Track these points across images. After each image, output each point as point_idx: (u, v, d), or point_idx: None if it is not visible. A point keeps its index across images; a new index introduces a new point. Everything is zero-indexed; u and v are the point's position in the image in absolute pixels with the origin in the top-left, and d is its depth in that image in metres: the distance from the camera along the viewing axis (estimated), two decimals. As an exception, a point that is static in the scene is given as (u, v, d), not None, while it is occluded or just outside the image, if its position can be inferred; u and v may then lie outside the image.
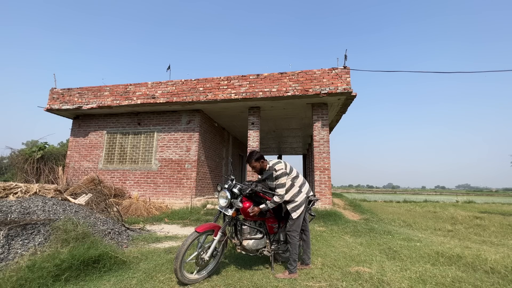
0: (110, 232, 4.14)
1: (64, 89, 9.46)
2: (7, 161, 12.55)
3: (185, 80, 8.46)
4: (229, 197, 2.93)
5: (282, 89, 7.61)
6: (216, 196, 3.52)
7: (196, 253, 2.78)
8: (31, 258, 2.77)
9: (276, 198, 2.95)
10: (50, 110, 9.44)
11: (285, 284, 2.67)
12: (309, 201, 3.27)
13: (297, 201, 3.06)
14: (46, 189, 4.74)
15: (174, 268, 2.54)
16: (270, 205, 2.97)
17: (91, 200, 5.78)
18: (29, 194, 4.32)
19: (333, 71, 7.41)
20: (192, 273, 2.76)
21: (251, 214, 2.96)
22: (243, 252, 3.07)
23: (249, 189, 3.01)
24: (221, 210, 3.01)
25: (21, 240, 3.05)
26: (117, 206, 5.92)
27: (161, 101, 8.35)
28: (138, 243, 4.30)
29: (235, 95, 7.89)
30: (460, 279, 2.83)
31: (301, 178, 3.23)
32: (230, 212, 2.94)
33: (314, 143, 7.85)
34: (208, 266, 2.90)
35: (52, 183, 8.99)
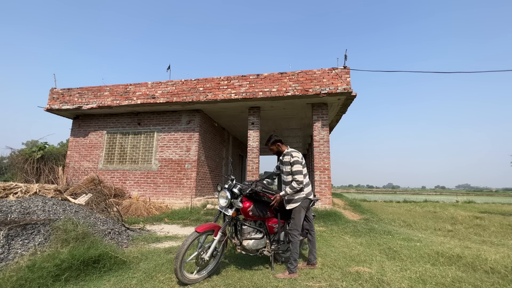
0: (110, 232, 4.14)
1: (64, 89, 9.46)
2: (7, 161, 12.54)
3: (185, 80, 8.46)
4: (229, 197, 2.93)
5: (282, 89, 7.61)
6: (216, 196, 3.54)
7: (196, 253, 2.78)
8: (31, 258, 2.77)
9: (294, 184, 3.03)
10: (50, 110, 9.44)
11: (285, 284, 2.67)
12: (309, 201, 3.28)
13: (294, 197, 3.11)
14: (46, 189, 4.74)
15: (174, 268, 2.54)
16: (289, 191, 3.05)
17: (91, 200, 5.78)
18: (29, 194, 4.32)
19: (333, 71, 7.41)
20: (192, 273, 2.76)
21: (274, 204, 3.05)
22: (243, 252, 3.07)
23: (249, 189, 3.01)
24: (221, 210, 3.02)
25: (21, 240, 3.05)
26: (117, 206, 5.92)
27: (161, 101, 8.35)
28: (138, 243, 4.30)
29: (235, 95, 7.89)
30: (460, 279, 2.83)
31: (307, 178, 3.27)
32: (230, 212, 2.94)
33: (314, 143, 7.85)
34: (208, 266, 2.90)
35: (52, 183, 8.99)
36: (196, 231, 2.76)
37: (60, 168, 9.41)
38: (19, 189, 4.31)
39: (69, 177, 9.34)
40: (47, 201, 4.02)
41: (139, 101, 8.56)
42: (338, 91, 7.18)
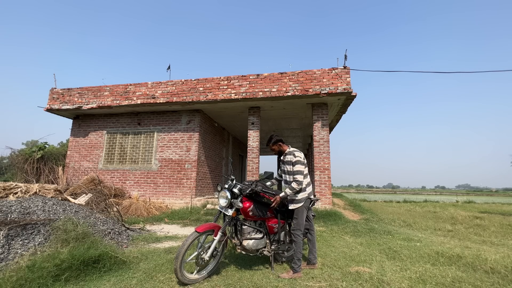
0: (110, 232, 4.14)
1: (64, 89, 9.46)
2: (7, 161, 12.54)
3: (185, 80, 8.46)
4: (229, 197, 2.93)
5: (282, 89, 7.61)
6: (216, 196, 3.54)
7: (196, 253, 2.78)
8: (31, 258, 2.77)
9: (294, 184, 3.03)
10: (50, 110, 9.44)
11: (285, 284, 2.67)
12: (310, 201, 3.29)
13: (297, 197, 3.11)
14: (46, 189, 4.74)
15: (174, 268, 2.54)
16: (289, 192, 3.05)
17: (91, 200, 5.78)
18: (29, 194, 4.32)
19: (333, 71, 7.41)
20: (192, 273, 2.76)
21: (274, 205, 3.05)
22: (243, 252, 3.07)
23: (249, 189, 3.01)
24: (221, 210, 3.02)
25: (21, 240, 3.05)
26: (117, 206, 5.92)
27: (161, 101, 8.35)
28: (138, 243, 4.30)
29: (235, 95, 7.89)
30: (460, 279, 2.83)
31: (308, 178, 3.28)
32: (230, 212, 2.94)
33: (314, 143, 7.85)
34: (208, 266, 2.90)
35: (52, 183, 8.99)
36: (196, 231, 2.76)
37: (60, 168, 9.41)
38: (19, 189, 4.31)
39: (69, 177, 9.34)
40: (47, 201, 4.02)
41: (139, 101, 8.56)
42: (338, 91, 7.17)
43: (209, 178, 9.77)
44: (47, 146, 11.10)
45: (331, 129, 10.52)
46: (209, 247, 2.81)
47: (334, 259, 3.53)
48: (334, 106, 8.21)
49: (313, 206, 3.80)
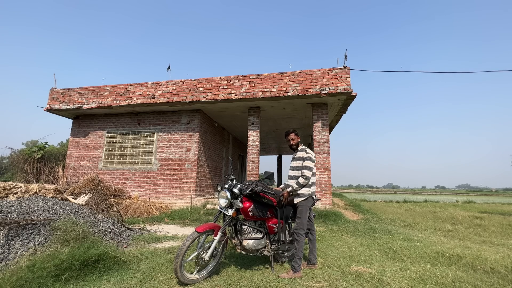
0: (110, 232, 4.14)
1: (64, 89, 9.46)
2: (7, 161, 12.54)
3: (185, 80, 8.46)
4: (229, 197, 2.93)
5: (282, 89, 7.61)
6: (216, 196, 3.55)
7: (196, 253, 2.78)
8: (31, 258, 2.77)
9: (301, 180, 3.08)
10: (50, 110, 9.44)
11: (285, 284, 2.67)
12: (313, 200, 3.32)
13: (302, 191, 3.16)
14: (46, 189, 4.74)
15: (174, 268, 2.54)
16: (295, 186, 3.11)
17: (91, 200, 5.78)
18: (29, 194, 4.32)
19: (333, 71, 7.41)
20: (192, 273, 2.76)
21: (284, 201, 3.12)
22: (243, 252, 3.07)
23: (249, 189, 3.01)
24: (221, 210, 3.02)
25: (21, 240, 3.05)
26: (117, 206, 5.92)
27: (161, 101, 8.35)
28: (138, 243, 4.30)
29: (235, 95, 7.89)
30: (460, 279, 2.83)
31: (315, 178, 3.34)
32: (230, 212, 2.94)
33: (314, 143, 7.85)
34: (208, 266, 2.90)
35: (52, 183, 8.99)
36: (196, 231, 2.76)
37: (60, 168, 9.41)
38: (19, 189, 4.31)
39: (69, 177, 9.34)
40: (47, 201, 4.02)
41: (139, 101, 8.56)
42: (338, 91, 7.17)
43: (209, 178, 9.77)
44: (47, 146, 11.11)
45: (331, 129, 10.52)
46: (209, 247, 2.81)
47: (334, 259, 3.53)
48: (334, 106, 8.21)
49: (313, 206, 3.80)
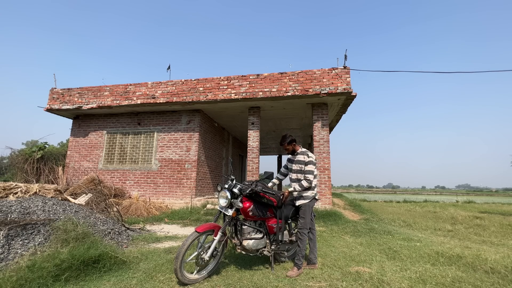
0: (110, 232, 4.14)
1: (64, 89, 9.46)
2: (7, 161, 12.54)
3: (185, 80, 8.46)
4: (229, 197, 2.93)
5: (282, 89, 7.61)
6: (216, 196, 3.55)
7: (196, 253, 2.78)
8: (31, 258, 2.77)
9: (304, 183, 3.14)
10: (50, 110, 9.44)
11: (285, 284, 2.67)
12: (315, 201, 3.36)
13: (306, 193, 3.22)
14: (46, 189, 4.74)
15: (174, 268, 2.54)
16: (297, 188, 3.17)
17: (91, 200, 5.78)
18: (29, 194, 4.32)
19: (333, 71, 7.41)
20: (192, 273, 2.76)
21: (284, 199, 3.18)
22: (243, 252, 3.08)
23: (249, 189, 3.01)
24: (221, 210, 3.02)
25: (21, 240, 3.05)
26: (117, 206, 5.92)
27: (161, 101, 8.35)
28: (138, 243, 4.30)
29: (235, 95, 7.89)
30: (460, 279, 2.83)
31: (316, 180, 3.37)
32: (230, 212, 2.94)
33: (314, 143, 7.85)
34: (208, 266, 2.90)
35: (52, 183, 8.99)
36: (196, 231, 2.76)
37: (60, 168, 9.41)
38: (19, 189, 4.31)
39: (69, 177, 9.34)
40: (47, 201, 4.02)
41: (139, 101, 8.56)
42: (338, 91, 7.17)
43: (209, 178, 9.77)
44: (47, 146, 11.10)
45: (331, 129, 10.52)
46: (209, 247, 2.81)
47: (334, 259, 3.53)
48: (334, 106, 8.21)
49: (313, 206, 3.81)
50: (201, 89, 8.22)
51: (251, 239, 3.02)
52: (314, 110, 8.00)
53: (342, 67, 7.39)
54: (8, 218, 3.25)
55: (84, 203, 5.36)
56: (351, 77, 7.37)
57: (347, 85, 7.21)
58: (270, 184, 3.53)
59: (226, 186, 3.07)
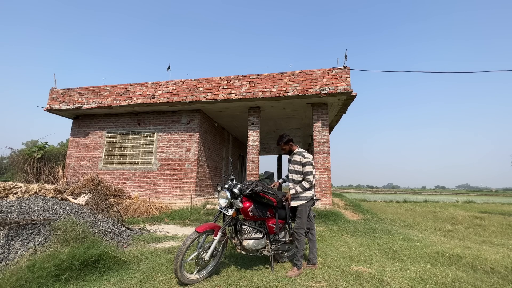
0: (110, 232, 4.13)
1: (64, 89, 9.46)
2: (7, 161, 12.54)
3: (185, 80, 8.46)
4: (229, 197, 2.93)
5: (282, 89, 7.61)
6: (216, 196, 3.56)
7: (196, 253, 2.78)
8: (31, 258, 2.77)
9: (305, 184, 3.16)
10: (50, 110, 9.44)
11: (285, 284, 2.67)
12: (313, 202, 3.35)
13: (303, 194, 3.21)
14: (46, 189, 4.74)
15: (174, 268, 2.54)
16: (298, 190, 3.17)
17: (91, 200, 5.78)
18: (29, 194, 4.32)
19: (333, 71, 7.41)
20: (192, 273, 2.76)
21: (288, 202, 3.20)
22: (243, 252, 3.08)
23: (249, 189, 3.01)
24: (221, 210, 3.02)
25: (21, 240, 3.05)
26: (117, 206, 5.92)
27: (161, 101, 8.35)
28: (138, 243, 4.30)
29: (235, 95, 7.89)
30: (460, 279, 2.83)
31: (314, 180, 3.37)
32: (230, 212, 2.94)
33: (314, 143, 7.85)
34: (208, 266, 2.90)
35: (52, 183, 8.99)
36: (196, 231, 2.76)
37: (60, 168, 9.40)
38: (19, 189, 4.31)
39: (69, 177, 9.34)
40: (47, 201, 4.02)
41: (139, 101, 8.56)
42: (338, 91, 7.17)
43: (209, 178, 9.77)
44: (47, 146, 11.10)
45: (331, 129, 10.52)
46: (209, 247, 2.81)
47: (334, 259, 3.53)
48: (334, 106, 8.21)
49: (313, 206, 3.81)
50: (201, 89, 8.22)
51: (251, 239, 3.02)
52: (314, 110, 8.00)
53: (342, 67, 7.39)
54: (8, 218, 3.25)
55: (84, 203, 5.36)
56: (351, 77, 7.37)
57: (347, 85, 7.21)
58: (280, 181, 3.58)
59: (226, 186, 3.07)
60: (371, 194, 40.70)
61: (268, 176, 3.47)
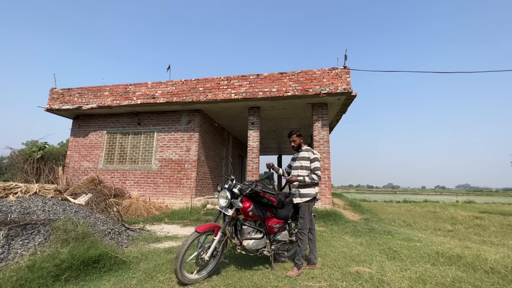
0: (110, 232, 4.13)
1: (64, 89, 9.46)
2: (7, 161, 12.55)
3: (185, 80, 8.46)
4: (229, 197, 2.93)
5: (282, 89, 7.61)
6: (216, 196, 3.55)
7: (196, 253, 2.78)
8: (31, 258, 2.77)
9: (315, 176, 3.19)
10: (50, 110, 9.44)
11: (285, 284, 2.67)
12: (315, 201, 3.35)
13: (307, 191, 3.21)
14: (46, 189, 4.74)
15: (174, 268, 2.54)
16: (307, 180, 3.18)
17: (91, 200, 5.78)
18: (29, 194, 4.31)
19: (333, 71, 7.41)
20: (192, 273, 2.76)
21: (292, 181, 3.20)
22: (243, 252, 3.08)
23: (249, 189, 3.01)
24: (221, 210, 3.02)
25: (21, 240, 3.05)
26: (117, 206, 5.92)
27: (161, 101, 8.35)
28: (138, 243, 4.30)
29: (235, 95, 7.89)
30: (460, 279, 2.83)
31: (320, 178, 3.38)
32: (230, 212, 2.94)
33: (314, 143, 7.85)
34: (208, 266, 2.90)
35: (52, 183, 8.98)
36: (196, 231, 2.76)
37: (60, 168, 9.41)
38: (19, 189, 4.31)
39: (69, 177, 9.34)
40: (47, 201, 4.02)
41: (139, 101, 8.56)
42: (338, 91, 7.17)
43: (209, 178, 9.77)
44: (47, 146, 11.10)
45: (331, 129, 10.52)
46: (209, 247, 2.81)
47: (334, 259, 3.52)
48: (334, 106, 8.21)
49: (313, 206, 3.81)
50: (201, 89, 8.22)
51: (251, 239, 3.02)
52: (314, 110, 8.00)
53: (342, 67, 7.40)
54: (8, 218, 3.25)
55: (84, 203, 5.36)
56: (351, 77, 7.37)
57: (347, 85, 7.21)
58: (280, 171, 3.56)
59: (226, 186, 3.07)
60: (371, 194, 40.71)
61: (268, 176, 3.47)
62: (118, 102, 8.76)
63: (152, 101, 8.45)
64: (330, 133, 9.21)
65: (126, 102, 8.67)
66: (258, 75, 7.88)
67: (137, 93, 8.70)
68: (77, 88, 9.34)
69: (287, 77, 7.68)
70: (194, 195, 8.34)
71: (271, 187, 3.41)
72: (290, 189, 3.49)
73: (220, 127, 11.16)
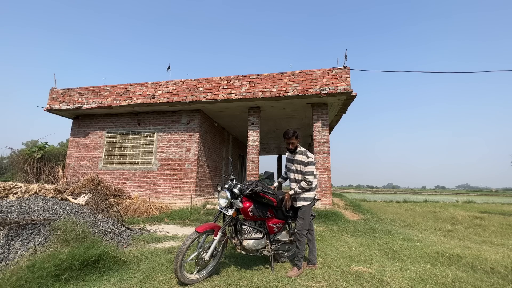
0: (110, 232, 4.13)
1: (64, 89, 9.46)
2: (7, 161, 12.55)
3: (185, 80, 8.46)
4: (229, 197, 2.93)
5: (282, 89, 7.61)
6: (216, 196, 3.55)
7: (196, 253, 2.78)
8: (31, 258, 2.77)
9: (304, 184, 3.09)
10: (50, 110, 9.44)
11: (285, 284, 2.67)
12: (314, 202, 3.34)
13: (306, 195, 3.17)
14: (46, 189, 4.74)
15: (174, 268, 2.54)
16: (298, 190, 3.11)
17: (91, 200, 5.77)
18: (29, 194, 4.32)
19: (333, 71, 7.41)
20: (192, 273, 2.76)
21: (286, 203, 3.16)
22: (243, 252, 3.07)
23: (249, 189, 3.01)
24: (221, 210, 3.02)
25: (21, 240, 3.05)
26: (117, 206, 5.92)
27: (161, 101, 8.35)
28: (138, 243, 4.30)
29: (235, 95, 7.89)
30: (460, 279, 2.83)
31: (316, 180, 3.33)
32: (230, 212, 2.94)
33: (314, 143, 7.85)
34: (208, 266, 2.90)
35: (52, 183, 8.98)
36: (196, 231, 2.76)
37: (60, 168, 9.40)
38: (19, 189, 4.31)
39: (69, 177, 9.34)
40: (47, 201, 4.02)
41: (139, 101, 8.56)
42: (338, 91, 7.18)
43: (209, 178, 9.77)
44: (47, 146, 11.10)
45: (331, 129, 10.53)
46: (209, 247, 2.81)
47: (334, 259, 3.52)
48: (334, 106, 8.21)
49: (313, 206, 3.81)
50: (201, 89, 8.22)
51: (251, 239, 3.02)
52: (314, 110, 8.00)
53: (342, 67, 7.40)
54: (8, 218, 3.25)
55: (84, 203, 5.36)
56: (351, 77, 7.38)
57: (347, 85, 7.22)
58: (275, 184, 3.52)
59: (226, 186, 3.07)
60: (371, 194, 40.71)
61: (268, 176, 3.46)
62: (118, 102, 8.76)
63: (152, 101, 8.45)
64: (330, 133, 9.21)
65: (126, 102, 8.67)
66: (258, 75, 7.88)
67: (137, 93, 8.70)
68: (77, 88, 9.34)
69: (287, 77, 7.68)
70: (194, 195, 8.34)
71: (271, 187, 3.41)
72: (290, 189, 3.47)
73: (220, 127, 11.16)
